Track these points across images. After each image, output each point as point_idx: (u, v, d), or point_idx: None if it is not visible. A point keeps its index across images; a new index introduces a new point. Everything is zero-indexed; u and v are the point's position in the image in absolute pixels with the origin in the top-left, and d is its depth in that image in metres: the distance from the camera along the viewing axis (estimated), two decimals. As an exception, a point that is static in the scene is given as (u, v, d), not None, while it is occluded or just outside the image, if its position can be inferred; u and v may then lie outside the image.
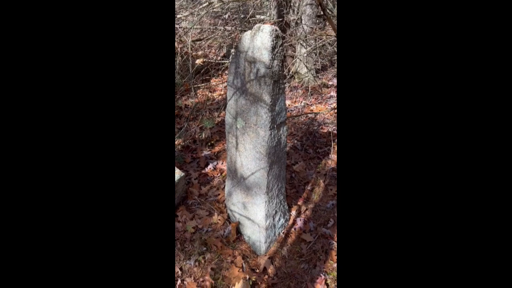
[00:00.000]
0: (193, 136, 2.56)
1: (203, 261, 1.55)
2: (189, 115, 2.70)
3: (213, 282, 1.46)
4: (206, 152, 2.42)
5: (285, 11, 3.40)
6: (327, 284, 1.49)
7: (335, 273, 1.54)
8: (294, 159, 2.38)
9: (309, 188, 2.10)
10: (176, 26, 2.68)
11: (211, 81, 3.68)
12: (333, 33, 2.62)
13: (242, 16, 3.59)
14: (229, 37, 3.48)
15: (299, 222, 1.80)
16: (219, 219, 1.79)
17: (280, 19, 3.39)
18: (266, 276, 1.51)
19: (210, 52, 4.40)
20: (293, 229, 1.77)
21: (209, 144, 2.53)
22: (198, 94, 3.35)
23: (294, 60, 3.72)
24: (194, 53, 3.87)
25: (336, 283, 1.49)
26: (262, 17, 3.81)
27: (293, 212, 1.87)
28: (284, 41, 2.53)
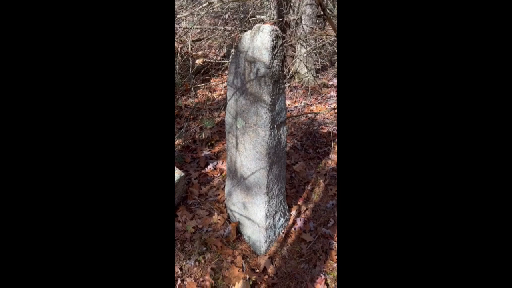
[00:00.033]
0: (193, 136, 2.56)
1: (203, 261, 1.56)
2: (189, 115, 2.70)
3: (213, 282, 1.46)
4: (206, 152, 2.42)
5: (285, 11, 3.40)
6: (327, 284, 1.49)
7: (335, 273, 1.54)
8: (294, 159, 2.38)
9: (309, 188, 2.10)
10: (176, 26, 2.68)
11: (211, 81, 3.68)
12: (333, 33, 2.62)
13: (242, 16, 3.59)
14: (229, 37, 3.48)
15: (299, 222, 1.80)
16: (219, 219, 1.79)
17: (280, 19, 3.39)
18: (266, 276, 1.51)
19: (210, 52, 4.40)
20: (293, 229, 1.77)
21: (209, 144, 2.53)
22: (198, 94, 3.35)
23: (294, 60, 3.72)
24: (194, 53, 3.87)
25: (336, 283, 1.49)
26: (262, 17, 3.81)
27: (293, 212, 1.87)
28: (284, 41, 2.53)
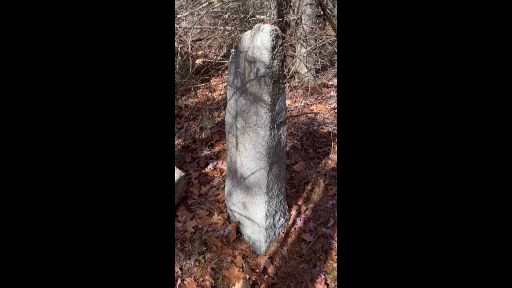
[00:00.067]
0: (193, 136, 2.56)
1: (203, 261, 1.56)
2: (189, 115, 2.70)
3: (213, 282, 1.46)
4: (206, 152, 2.42)
5: (285, 11, 3.40)
6: (327, 284, 1.49)
7: (335, 273, 1.54)
8: (294, 159, 2.38)
9: (309, 188, 2.10)
10: (176, 26, 2.68)
11: (211, 81, 3.68)
12: (333, 33, 2.62)
13: (242, 16, 3.59)
14: (229, 37, 3.48)
15: (299, 222, 1.80)
16: (219, 219, 1.79)
17: (280, 19, 3.39)
18: (266, 276, 1.51)
19: (210, 52, 4.40)
20: (293, 229, 1.77)
21: (209, 144, 2.53)
22: (198, 94, 3.35)
23: (294, 60, 3.72)
24: (194, 53, 3.87)
25: (336, 283, 1.49)
26: (262, 17, 3.81)
27: (293, 212, 1.87)
28: (284, 41, 2.53)
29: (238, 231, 1.73)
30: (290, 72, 3.76)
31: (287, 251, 1.64)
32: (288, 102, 3.38)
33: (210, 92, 3.51)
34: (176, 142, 2.43)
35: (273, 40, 1.21)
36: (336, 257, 1.61)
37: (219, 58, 4.04)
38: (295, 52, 3.73)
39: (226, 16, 3.62)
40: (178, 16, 2.72)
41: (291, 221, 1.81)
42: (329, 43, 3.57)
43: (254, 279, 1.48)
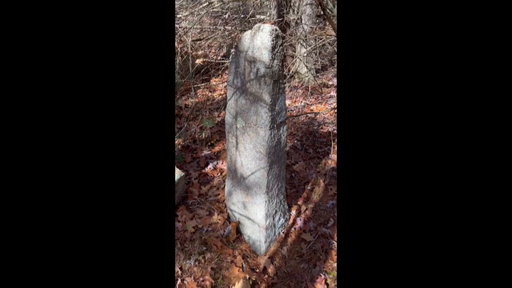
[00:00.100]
0: (193, 136, 2.56)
1: (203, 261, 1.56)
2: (189, 115, 2.70)
3: (213, 281, 1.46)
4: (206, 152, 2.42)
5: (285, 11, 3.40)
6: (327, 284, 1.49)
7: (335, 273, 1.54)
8: (294, 159, 2.38)
9: (309, 187, 2.10)
10: (176, 26, 2.68)
11: (211, 81, 3.68)
12: (333, 33, 2.62)
13: (242, 16, 3.59)
14: (229, 37, 3.48)
15: (299, 222, 1.80)
16: (219, 219, 1.79)
17: (280, 19, 3.39)
18: (266, 276, 1.51)
19: (210, 52, 4.40)
20: (293, 228, 1.77)
21: (209, 144, 2.53)
22: (198, 94, 3.35)
23: (294, 60, 3.72)
24: (194, 53, 3.87)
25: (336, 283, 1.49)
26: (262, 17, 3.81)
27: (293, 212, 1.87)
28: (284, 40, 2.53)
29: (238, 231, 1.73)
30: (290, 72, 3.76)
31: (287, 251, 1.64)
32: (288, 102, 3.38)
33: (210, 92, 3.51)
34: (176, 142, 2.43)
35: (273, 40, 1.21)
36: (336, 257, 1.61)
37: (219, 58, 4.04)
38: (295, 52, 3.73)
39: (226, 16, 3.62)
40: (178, 16, 2.72)
41: (291, 221, 1.81)
42: (329, 43, 3.57)
43: (254, 279, 1.48)
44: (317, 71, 4.07)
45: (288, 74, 3.75)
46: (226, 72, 3.78)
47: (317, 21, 3.64)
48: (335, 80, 3.87)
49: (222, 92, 3.54)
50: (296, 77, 3.83)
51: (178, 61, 2.72)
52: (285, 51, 3.60)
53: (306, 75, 3.69)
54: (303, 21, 3.43)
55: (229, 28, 3.41)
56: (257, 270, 1.54)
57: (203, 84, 3.37)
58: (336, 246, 1.67)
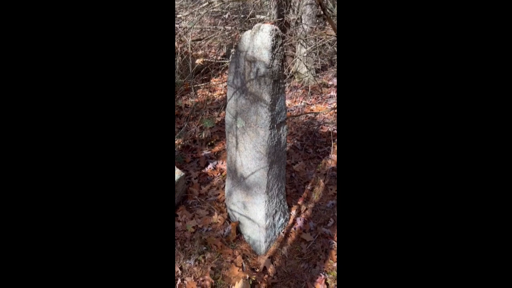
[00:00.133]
0: (193, 136, 2.56)
1: (203, 261, 1.56)
2: (189, 115, 2.70)
3: (213, 281, 1.46)
4: (206, 151, 2.42)
5: (285, 11, 3.40)
6: (327, 284, 1.49)
7: (335, 273, 1.54)
8: (294, 159, 2.38)
9: (309, 187, 2.10)
10: (176, 25, 2.68)
11: (211, 80, 3.68)
12: (333, 33, 2.62)
13: (242, 16, 3.59)
14: (229, 37, 3.48)
15: (299, 222, 1.80)
16: (219, 219, 1.79)
17: (280, 19, 3.39)
18: (266, 276, 1.51)
19: (210, 52, 4.40)
20: (293, 228, 1.77)
21: (209, 144, 2.53)
22: (198, 94, 3.35)
23: (294, 60, 3.72)
24: (194, 53, 3.87)
25: (336, 283, 1.50)
26: (262, 16, 3.81)
27: (293, 212, 1.87)
28: (284, 40, 2.53)
29: (238, 231, 1.73)
30: (290, 72, 3.76)
31: (287, 251, 1.64)
32: (288, 102, 3.38)
33: (210, 92, 3.51)
34: (176, 142, 2.43)
35: (273, 40, 1.21)
36: (336, 257, 1.61)
37: (219, 58, 4.04)
38: (295, 52, 3.73)
39: (226, 16, 3.62)
40: (178, 16, 2.72)
41: (291, 221, 1.81)
42: (329, 43, 3.57)
43: (254, 278, 1.48)
44: (317, 71, 4.07)
45: (288, 74, 3.75)
46: (226, 72, 3.78)
47: (317, 21, 3.64)
48: (335, 80, 3.87)
49: (222, 92, 3.54)
50: (296, 77, 3.83)
51: (178, 61, 2.73)
52: (285, 51, 3.60)
53: (306, 75, 3.69)
54: (303, 21, 3.43)
55: (229, 28, 3.41)
56: (257, 270, 1.54)
57: (203, 84, 3.37)
58: (336, 246, 1.67)
